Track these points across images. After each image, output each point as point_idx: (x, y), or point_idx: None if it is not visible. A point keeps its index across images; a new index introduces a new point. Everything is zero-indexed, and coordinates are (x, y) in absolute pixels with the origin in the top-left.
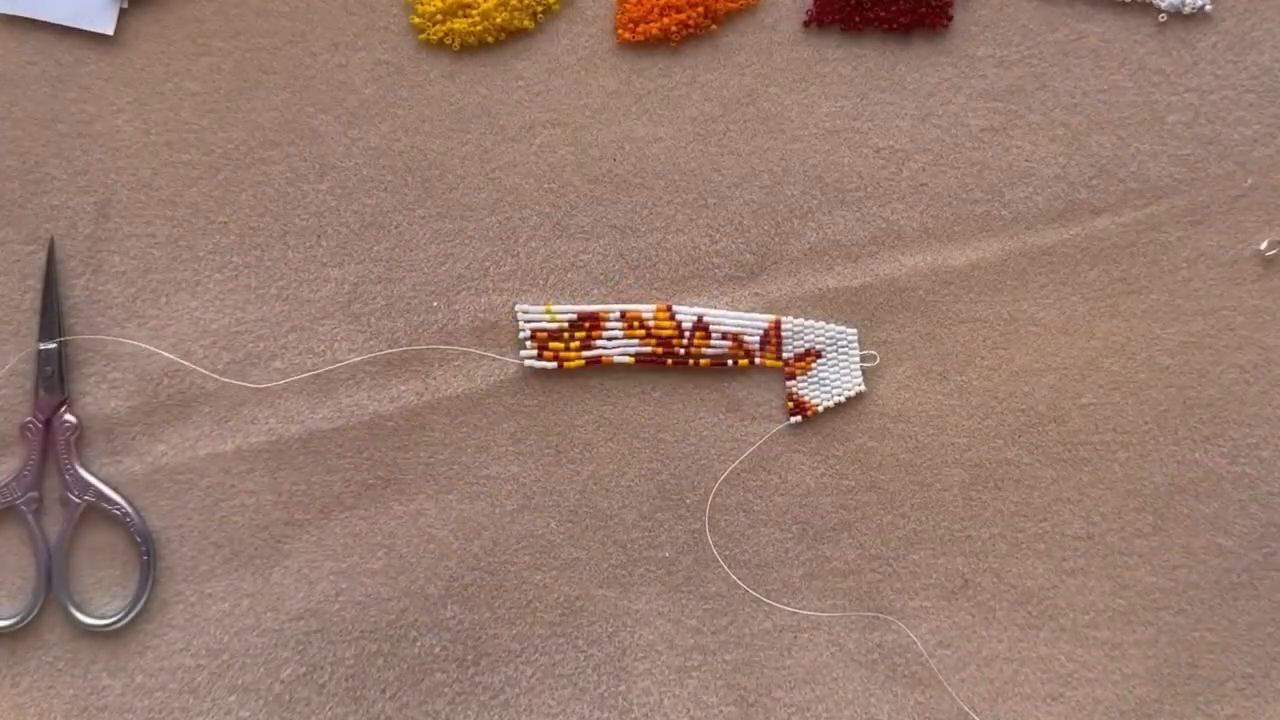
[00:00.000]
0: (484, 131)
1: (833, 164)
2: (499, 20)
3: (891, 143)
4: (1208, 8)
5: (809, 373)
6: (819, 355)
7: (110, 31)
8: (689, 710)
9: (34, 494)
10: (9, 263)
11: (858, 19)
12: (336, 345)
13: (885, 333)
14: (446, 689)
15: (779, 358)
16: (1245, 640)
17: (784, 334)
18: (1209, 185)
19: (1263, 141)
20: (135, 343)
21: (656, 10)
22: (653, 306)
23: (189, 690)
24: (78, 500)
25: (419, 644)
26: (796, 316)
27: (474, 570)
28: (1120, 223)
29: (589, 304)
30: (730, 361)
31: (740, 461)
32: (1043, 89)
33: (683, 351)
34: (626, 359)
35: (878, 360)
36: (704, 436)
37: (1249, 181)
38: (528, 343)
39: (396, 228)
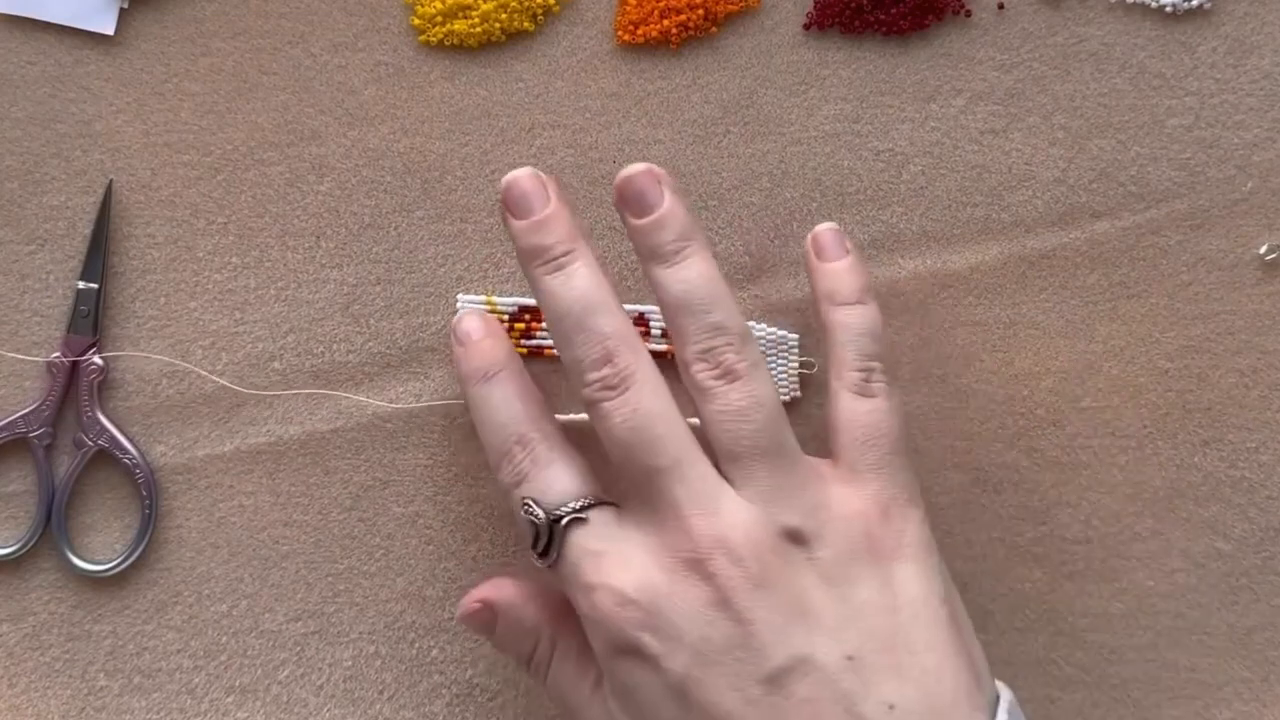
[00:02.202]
0: (484, 133)
1: (832, 167)
2: (499, 22)
3: (891, 146)
4: (1207, 5)
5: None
6: None
7: (110, 32)
8: None
9: (48, 430)
10: (8, 263)
11: (858, 22)
12: (335, 347)
13: (885, 334)
14: (445, 690)
15: None
16: (1245, 644)
17: None
18: (1209, 189)
19: (1263, 145)
20: (163, 357)
21: (657, 13)
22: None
23: (187, 691)
24: (90, 443)
25: (417, 646)
26: (760, 321)
27: (473, 572)
28: (1120, 226)
29: (529, 298)
30: (670, 356)
31: None
32: (1043, 93)
33: None
34: None
35: (816, 369)
36: None
37: (1249, 185)
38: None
39: (396, 229)
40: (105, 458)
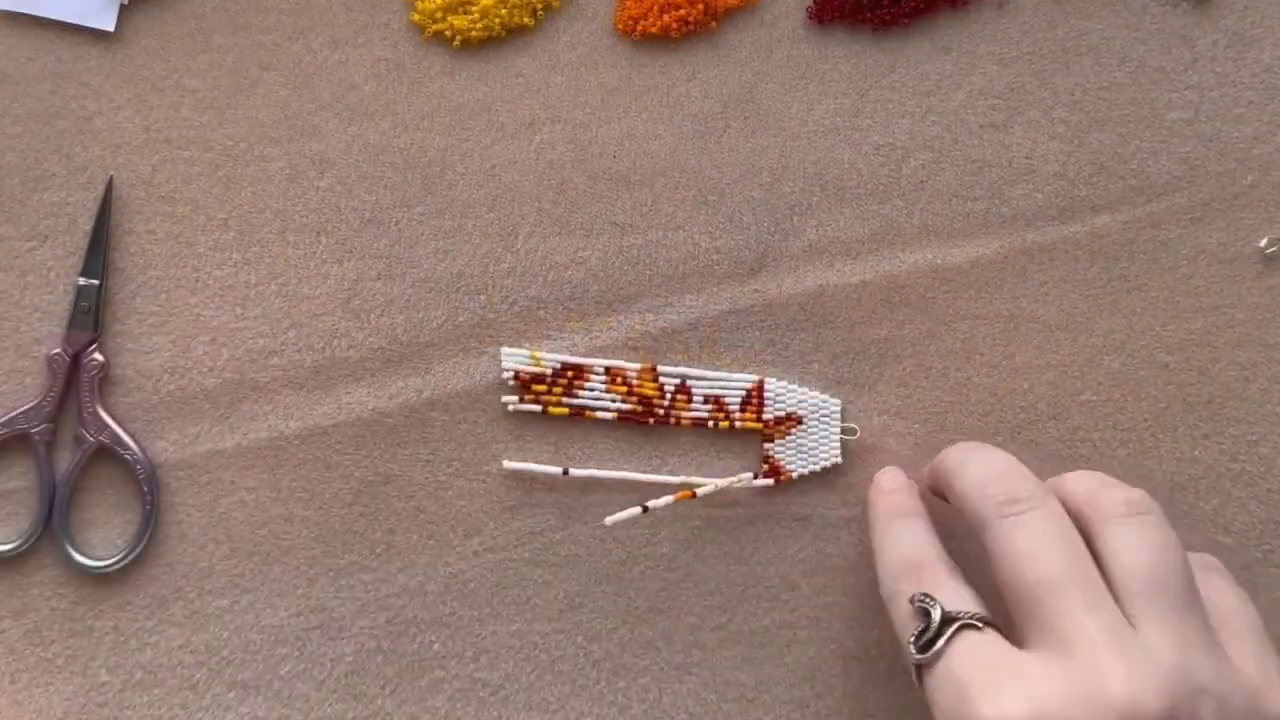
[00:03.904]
0: (484, 128)
1: (833, 161)
2: (499, 17)
3: (891, 140)
4: None
5: (788, 437)
6: (800, 421)
7: (111, 28)
8: (688, 706)
9: (49, 426)
10: (9, 259)
11: (859, 16)
12: (336, 342)
13: (885, 330)
14: (446, 685)
15: (759, 419)
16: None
17: (766, 396)
18: (1209, 183)
19: (1263, 139)
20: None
21: (656, 7)
22: (637, 365)
23: (188, 686)
24: (91, 439)
25: (418, 640)
26: (780, 379)
27: (474, 566)
28: (1120, 220)
29: (573, 355)
30: (711, 424)
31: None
32: (1043, 86)
33: (663, 412)
34: (609, 415)
35: (858, 434)
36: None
37: (1249, 179)
38: (511, 382)
39: (396, 225)
40: (106, 454)
